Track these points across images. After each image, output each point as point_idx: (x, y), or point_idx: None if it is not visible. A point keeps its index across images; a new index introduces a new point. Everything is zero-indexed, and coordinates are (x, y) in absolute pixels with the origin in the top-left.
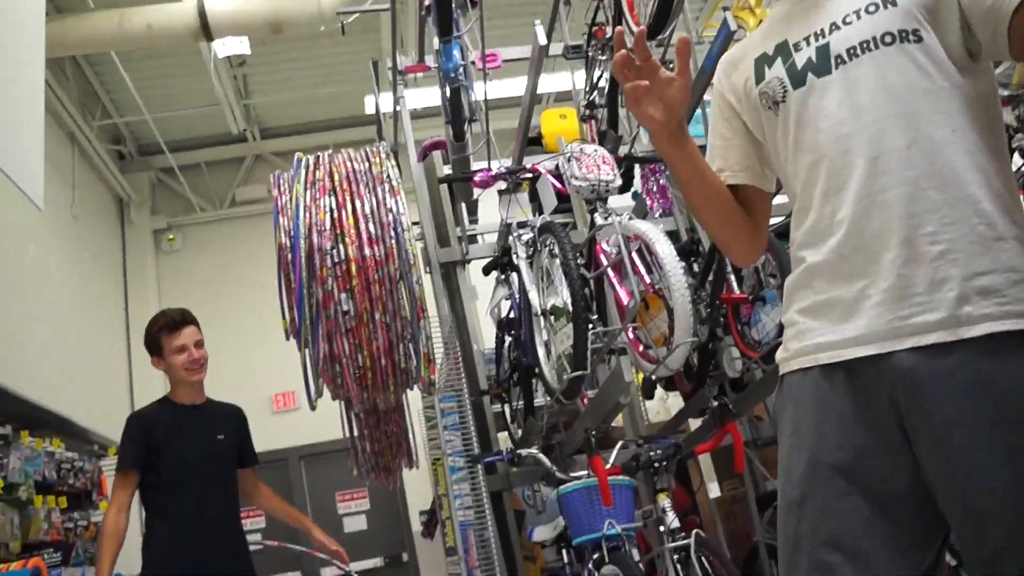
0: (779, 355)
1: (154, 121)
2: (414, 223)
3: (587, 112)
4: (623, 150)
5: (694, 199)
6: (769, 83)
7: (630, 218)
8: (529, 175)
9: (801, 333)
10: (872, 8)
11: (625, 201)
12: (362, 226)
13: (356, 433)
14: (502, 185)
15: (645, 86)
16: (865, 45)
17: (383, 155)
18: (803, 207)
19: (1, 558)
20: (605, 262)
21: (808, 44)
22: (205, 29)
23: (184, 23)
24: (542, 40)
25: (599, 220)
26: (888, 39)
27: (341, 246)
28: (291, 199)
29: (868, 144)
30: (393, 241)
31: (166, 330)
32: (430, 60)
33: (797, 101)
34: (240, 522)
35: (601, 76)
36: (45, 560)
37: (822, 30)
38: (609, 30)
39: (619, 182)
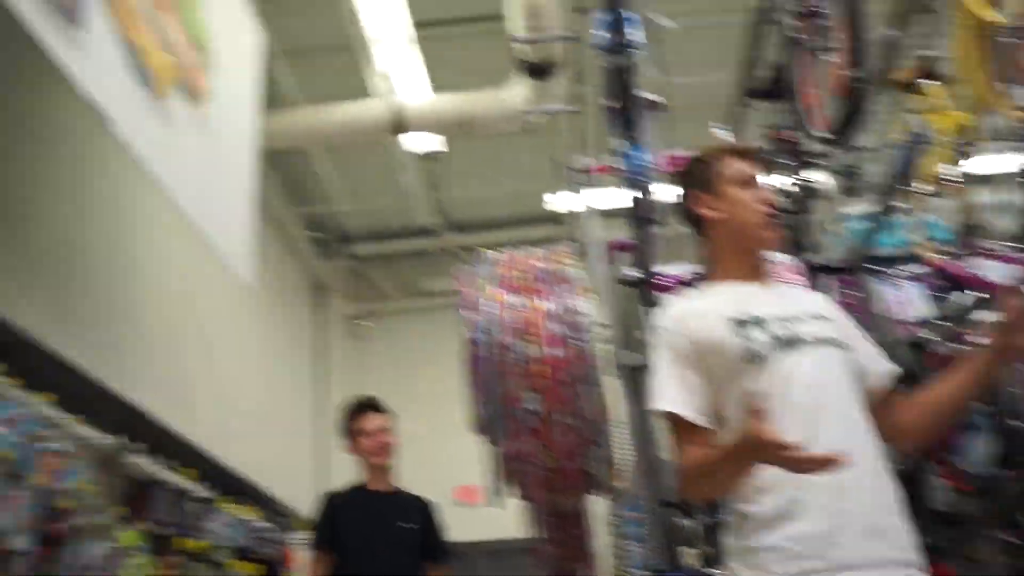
0: None
1: (352, 211)
2: (600, 324)
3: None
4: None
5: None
6: (752, 342)
7: None
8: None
9: None
10: (817, 317)
11: None
12: (548, 326)
13: (539, 534)
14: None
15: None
16: (820, 340)
17: (570, 255)
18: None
19: None
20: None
21: (776, 323)
22: (398, 125)
23: (380, 120)
24: None
25: None
26: (834, 343)
27: (527, 345)
28: (478, 295)
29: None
30: (579, 342)
31: (356, 416)
32: (614, 161)
33: (777, 363)
34: None
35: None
36: None
37: (785, 317)
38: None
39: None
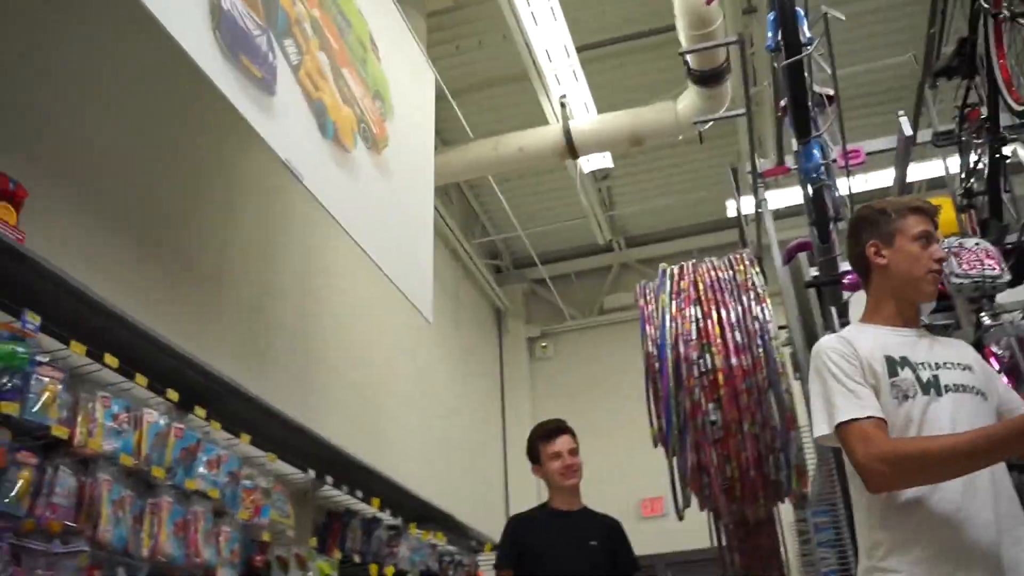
0: None
1: (527, 236)
2: (781, 327)
3: (964, 201)
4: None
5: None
6: (903, 380)
7: (1023, 317)
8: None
9: None
10: (961, 366)
11: (1017, 297)
12: (728, 335)
13: (725, 544)
14: None
15: None
16: (962, 387)
17: (747, 262)
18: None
19: None
20: (997, 367)
21: (926, 368)
22: (570, 148)
23: (551, 144)
24: (907, 131)
25: (987, 321)
26: (975, 391)
27: (708, 356)
28: (657, 309)
29: None
30: (760, 349)
31: (543, 439)
32: (789, 161)
33: (923, 402)
34: None
35: (979, 160)
36: None
37: (933, 363)
38: (984, 110)
39: (1007, 277)
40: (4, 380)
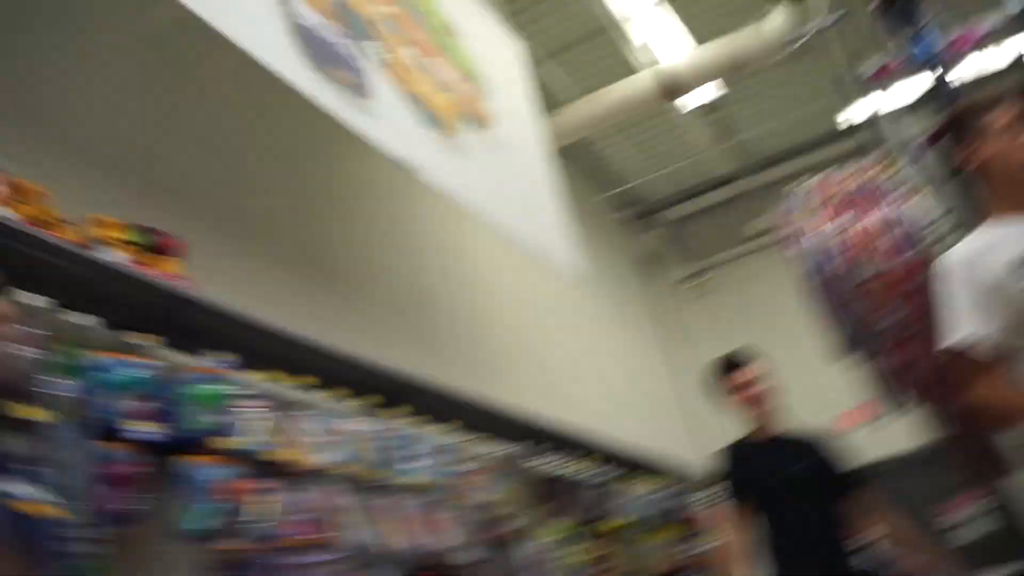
0: None
1: (654, 180)
2: (932, 223)
3: None
4: None
5: None
6: None
7: None
8: None
9: None
10: None
11: None
12: (881, 238)
13: (948, 435)
14: None
15: None
16: None
17: (882, 164)
18: None
19: None
20: None
21: None
22: (673, 87)
23: (654, 87)
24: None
25: None
26: None
27: (865, 263)
28: (802, 226)
29: None
30: (916, 248)
31: (722, 373)
32: (901, 55)
33: None
34: (841, 546)
35: None
36: None
37: None
38: None
39: None
40: (224, 419)
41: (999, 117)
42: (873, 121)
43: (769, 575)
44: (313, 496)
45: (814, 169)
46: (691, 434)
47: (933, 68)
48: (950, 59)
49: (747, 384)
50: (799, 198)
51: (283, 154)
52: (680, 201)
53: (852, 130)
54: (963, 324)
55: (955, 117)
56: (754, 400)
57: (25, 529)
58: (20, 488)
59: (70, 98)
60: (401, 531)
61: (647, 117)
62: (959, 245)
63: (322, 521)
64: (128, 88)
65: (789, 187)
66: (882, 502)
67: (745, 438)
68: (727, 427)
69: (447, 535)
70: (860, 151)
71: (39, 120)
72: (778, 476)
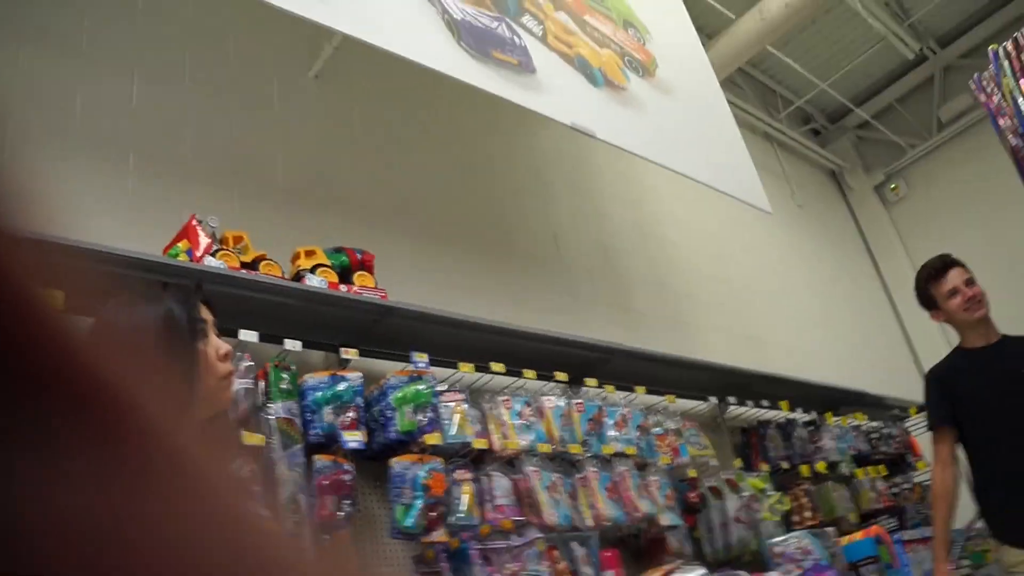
0: None
1: (831, 86)
2: None
3: None
4: None
5: None
6: None
7: None
8: None
9: None
10: None
11: None
12: None
13: None
14: None
15: None
16: None
17: None
18: None
19: (845, 530)
20: None
21: None
22: None
23: None
24: None
25: None
26: None
27: None
28: (1005, 96)
29: None
30: None
31: (931, 280)
32: None
33: None
34: None
35: None
36: (883, 526)
37: None
38: None
39: None
40: (420, 417)
41: None
42: None
43: (1001, 492)
44: (510, 480)
45: (1013, 26)
46: (918, 353)
47: None
48: None
49: (958, 289)
50: (998, 65)
51: (459, 146)
52: (867, 99)
53: None
54: None
55: None
56: (969, 304)
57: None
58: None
59: (241, 141)
60: (600, 503)
61: (815, 19)
62: None
63: (524, 502)
64: (300, 118)
65: (983, 58)
66: None
67: (958, 350)
68: (952, 339)
69: (646, 501)
70: None
71: (222, 170)
72: (1000, 387)
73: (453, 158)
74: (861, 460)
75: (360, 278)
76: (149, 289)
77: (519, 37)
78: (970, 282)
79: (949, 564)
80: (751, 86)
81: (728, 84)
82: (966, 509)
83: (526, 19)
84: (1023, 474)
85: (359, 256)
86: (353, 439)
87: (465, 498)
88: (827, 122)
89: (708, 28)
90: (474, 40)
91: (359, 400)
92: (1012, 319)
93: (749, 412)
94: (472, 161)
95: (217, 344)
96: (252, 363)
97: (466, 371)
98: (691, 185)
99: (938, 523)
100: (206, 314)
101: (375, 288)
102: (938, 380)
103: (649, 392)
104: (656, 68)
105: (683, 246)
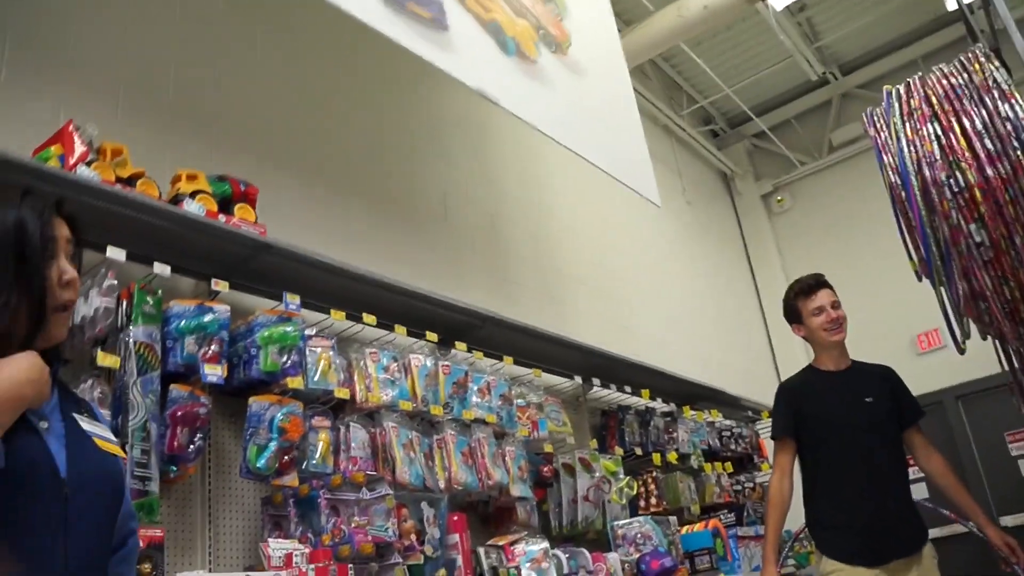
0: None
1: (735, 92)
2: None
3: None
4: None
5: None
6: None
7: None
8: None
9: None
10: None
11: None
12: (977, 145)
13: (1018, 366)
14: None
15: None
16: None
17: (981, 58)
18: None
19: (686, 520)
20: None
21: None
22: None
23: None
24: None
25: None
26: None
27: (958, 173)
28: (891, 134)
29: None
30: (1018, 152)
31: (802, 295)
32: None
33: None
34: (905, 483)
35: None
36: (722, 520)
37: None
38: None
39: None
40: (284, 359)
41: None
42: (975, 5)
43: (828, 507)
44: (368, 433)
45: (910, 67)
46: (778, 361)
47: None
48: None
49: (825, 308)
50: (890, 103)
51: (359, 94)
52: (767, 111)
53: (952, 17)
54: None
55: None
56: (831, 326)
57: (109, 468)
58: (103, 430)
59: (133, 49)
60: (454, 467)
61: (730, 25)
62: None
63: (379, 457)
64: (200, 37)
65: (879, 91)
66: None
67: (812, 369)
68: (809, 353)
69: (500, 470)
70: (960, 42)
71: (108, 76)
72: (843, 411)
73: (354, 103)
74: (710, 455)
75: (241, 210)
76: (5, 192)
77: None
78: (835, 305)
79: (776, 566)
80: (659, 79)
81: (637, 73)
82: (799, 513)
83: None
84: (851, 495)
85: (243, 188)
86: (213, 372)
87: (320, 445)
88: (726, 126)
89: (626, 15)
90: None
91: (224, 334)
92: (861, 340)
93: (611, 396)
94: (372, 109)
95: (63, 268)
96: (116, 282)
97: (337, 319)
98: (586, 168)
99: (770, 528)
100: (63, 232)
101: (255, 223)
102: (788, 394)
103: (516, 363)
104: (569, 47)
105: (569, 226)
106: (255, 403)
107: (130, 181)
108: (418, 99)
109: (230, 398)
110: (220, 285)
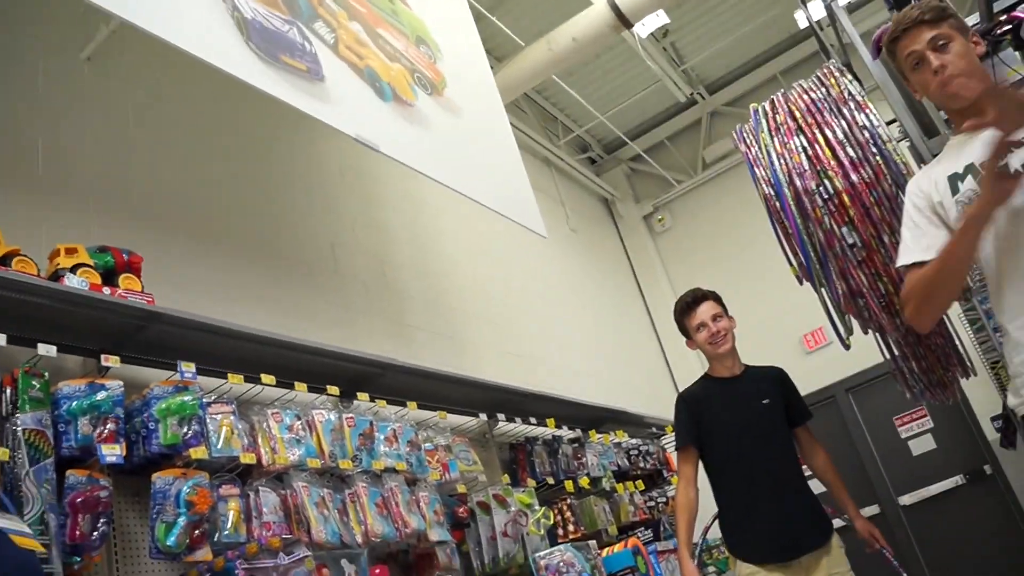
0: None
1: (609, 118)
2: (890, 122)
3: None
4: None
5: (961, 268)
6: (964, 194)
7: None
8: (1007, 26)
9: None
10: None
11: None
12: (840, 154)
13: (898, 354)
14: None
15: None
16: None
17: (835, 72)
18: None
19: (605, 542)
20: None
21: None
22: (621, 19)
23: (602, 23)
24: None
25: None
26: None
27: (826, 181)
28: (761, 149)
29: None
30: (877, 156)
31: (684, 313)
32: None
33: None
34: (803, 478)
35: None
36: (640, 538)
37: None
38: None
39: None
40: (185, 430)
41: (907, 53)
42: (824, 23)
43: (735, 511)
44: (278, 496)
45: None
46: (675, 375)
47: None
48: None
49: (707, 323)
50: (757, 120)
51: (239, 150)
52: (641, 134)
53: (806, 33)
54: (904, 247)
55: (888, 41)
56: (714, 339)
57: (27, 563)
58: (17, 523)
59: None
60: (370, 519)
61: (599, 55)
62: (923, 169)
63: (293, 519)
64: (66, 105)
65: (746, 106)
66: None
67: (705, 378)
68: (705, 363)
69: (416, 516)
70: (815, 56)
71: None
72: (739, 416)
73: (233, 160)
74: (621, 475)
75: (126, 280)
76: None
77: (310, 43)
78: (717, 317)
79: (692, 561)
80: (535, 112)
81: (513, 108)
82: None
83: (318, 25)
84: (755, 496)
85: (126, 257)
86: (111, 452)
87: (231, 515)
88: (603, 152)
89: (497, 52)
90: (263, 41)
91: (119, 411)
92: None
93: (517, 429)
94: (253, 165)
95: None
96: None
97: (235, 382)
98: (471, 205)
99: (681, 530)
100: None
101: (142, 292)
102: (686, 403)
103: (421, 407)
104: (445, 87)
105: (460, 264)
106: (159, 479)
107: (4, 261)
108: (300, 151)
109: (132, 477)
110: (111, 360)
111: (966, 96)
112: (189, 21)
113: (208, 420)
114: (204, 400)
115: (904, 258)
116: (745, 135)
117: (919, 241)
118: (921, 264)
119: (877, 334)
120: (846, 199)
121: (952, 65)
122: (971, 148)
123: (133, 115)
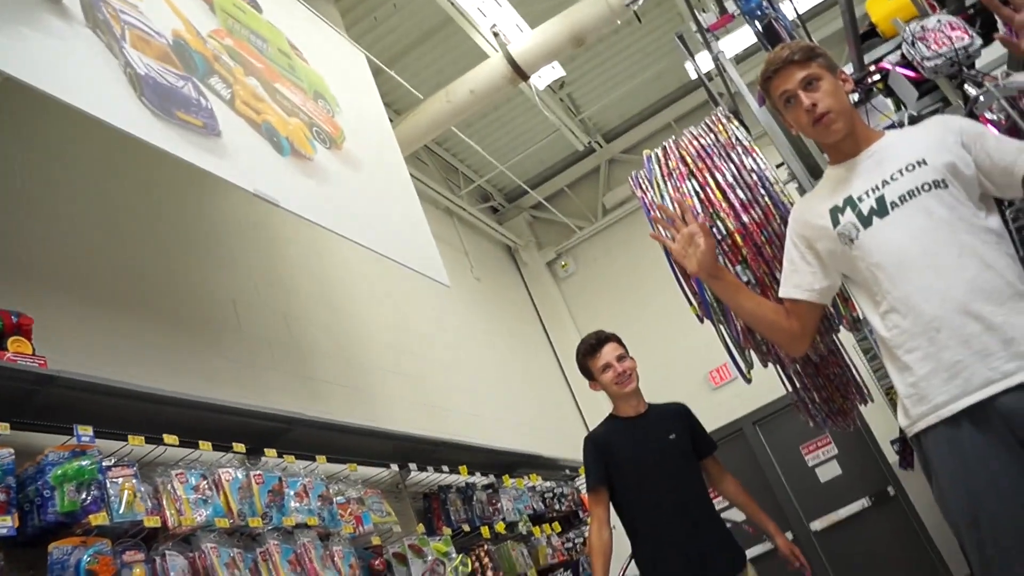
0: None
1: (509, 168)
2: (779, 165)
3: None
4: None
5: (751, 321)
6: (844, 227)
7: (1007, 75)
8: (877, 75)
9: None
10: (910, 168)
11: (994, 55)
12: (731, 196)
13: (799, 386)
14: (854, 98)
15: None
16: (910, 193)
17: (723, 119)
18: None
19: None
20: (996, 133)
21: (868, 196)
22: (518, 71)
23: (499, 75)
24: None
25: (972, 91)
26: (926, 187)
27: (719, 222)
28: (656, 193)
29: (924, 256)
30: (766, 198)
31: (588, 355)
32: (730, 6)
33: (867, 236)
34: (714, 510)
35: None
36: None
37: (876, 186)
38: None
39: (978, 41)
40: (83, 496)
41: (779, 92)
42: (713, 73)
43: (649, 548)
44: (186, 559)
45: (665, 129)
46: (586, 417)
47: (762, 16)
48: (775, 2)
49: (610, 364)
50: (650, 166)
51: (134, 206)
52: (542, 183)
53: (696, 84)
54: (783, 281)
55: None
56: (620, 379)
57: None
58: None
59: None
60: None
61: (497, 106)
62: (802, 199)
63: None
64: None
65: (640, 154)
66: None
67: (613, 418)
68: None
69: (331, 571)
70: (706, 104)
71: None
72: (646, 453)
73: (128, 217)
74: (537, 519)
75: (15, 343)
76: None
77: (206, 99)
78: (622, 357)
79: None
80: (435, 163)
81: (413, 160)
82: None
83: (214, 81)
84: (668, 532)
85: (15, 319)
86: (2, 524)
87: None
88: (505, 201)
89: (396, 105)
90: (157, 97)
91: (10, 480)
92: (658, 384)
93: (430, 478)
94: (149, 222)
95: None
96: None
97: (136, 444)
98: (375, 257)
99: (597, 571)
100: None
101: (32, 355)
102: (595, 445)
103: (330, 460)
104: (344, 141)
105: (366, 316)
106: (56, 549)
107: None
108: (199, 208)
109: (26, 549)
110: (0, 427)
111: (836, 131)
112: (80, 77)
113: (108, 484)
114: (103, 464)
115: (781, 291)
116: (641, 181)
117: (790, 278)
118: (793, 300)
119: (777, 366)
120: (739, 239)
121: (821, 103)
122: (849, 181)
123: (21, 171)
